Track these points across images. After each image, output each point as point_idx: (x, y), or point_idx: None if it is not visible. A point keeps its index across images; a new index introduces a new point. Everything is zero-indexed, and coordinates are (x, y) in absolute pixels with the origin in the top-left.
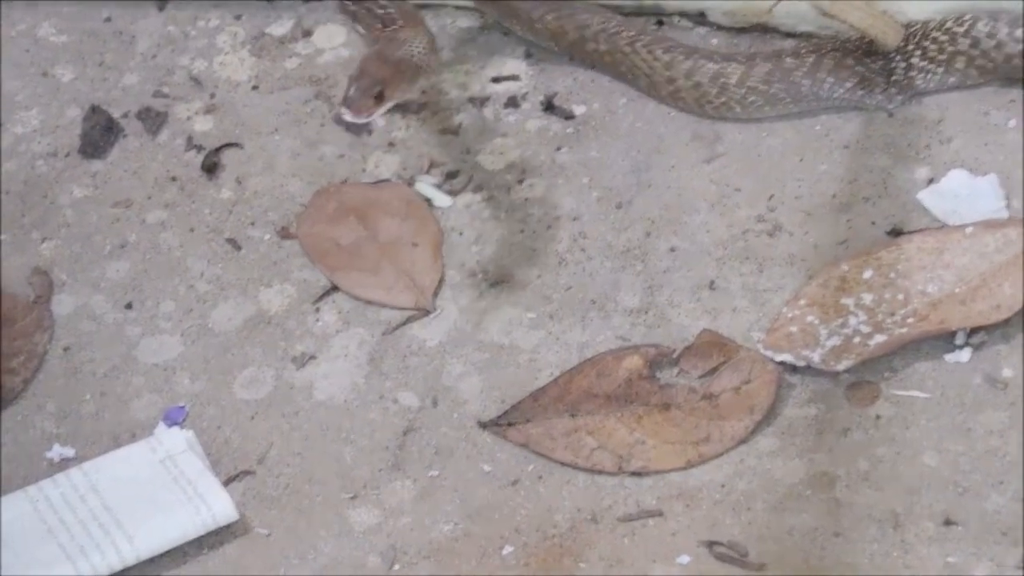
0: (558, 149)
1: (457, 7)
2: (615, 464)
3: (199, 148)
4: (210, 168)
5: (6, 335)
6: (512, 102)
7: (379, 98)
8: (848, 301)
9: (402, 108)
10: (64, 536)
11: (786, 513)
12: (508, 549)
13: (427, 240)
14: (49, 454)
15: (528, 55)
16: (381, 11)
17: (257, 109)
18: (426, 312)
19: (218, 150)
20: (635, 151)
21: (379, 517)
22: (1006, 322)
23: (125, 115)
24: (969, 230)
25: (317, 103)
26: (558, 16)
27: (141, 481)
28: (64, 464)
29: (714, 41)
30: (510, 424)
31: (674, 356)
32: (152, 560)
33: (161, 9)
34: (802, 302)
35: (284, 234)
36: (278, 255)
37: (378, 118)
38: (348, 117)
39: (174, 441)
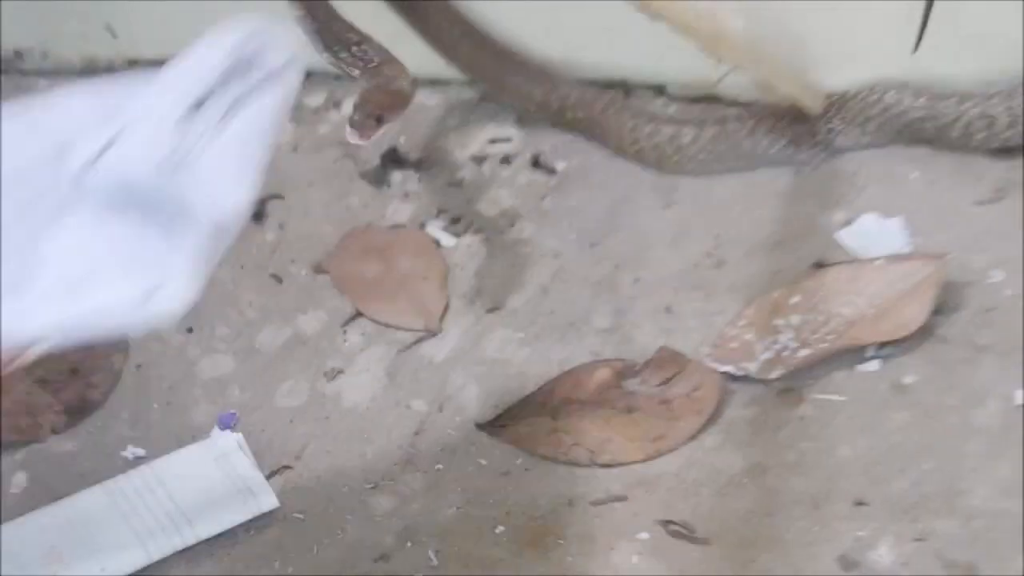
0: (543, 198)
1: (461, 83)
2: (588, 458)
3: None
4: (257, 216)
5: (88, 355)
6: (505, 160)
7: (379, 121)
8: (779, 322)
9: (415, 165)
10: (136, 521)
11: (727, 497)
12: (500, 528)
13: (435, 274)
14: (124, 453)
15: (518, 121)
16: (361, 54)
17: (296, 167)
18: (434, 334)
19: (264, 201)
20: (606, 200)
21: (395, 503)
22: (908, 338)
23: None
24: (879, 263)
25: (344, 162)
26: (544, 90)
27: (199, 476)
28: (136, 462)
29: (671, 109)
30: (502, 425)
31: (637, 368)
32: (208, 541)
33: None
34: (742, 323)
35: (318, 270)
36: (313, 287)
37: (376, 139)
38: (353, 139)
39: (226, 442)
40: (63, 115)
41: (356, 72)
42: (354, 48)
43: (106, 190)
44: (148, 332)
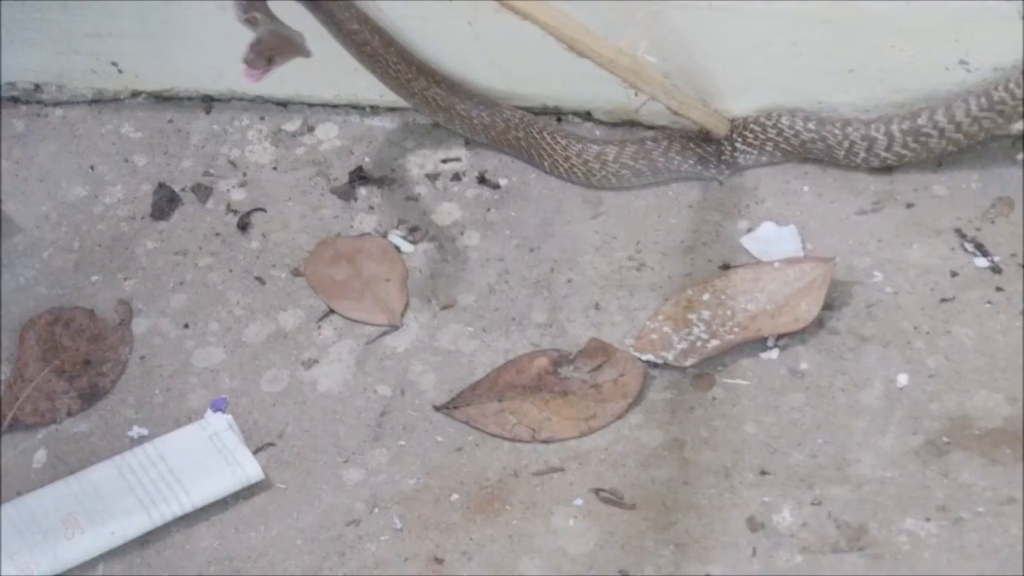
0: (488, 210)
1: (419, 110)
2: (530, 435)
3: (235, 212)
4: (243, 226)
5: (99, 348)
6: (456, 177)
7: (270, 62)
8: (692, 316)
9: (378, 182)
10: (140, 492)
11: (650, 468)
12: (455, 496)
13: (396, 276)
14: (130, 433)
15: (467, 143)
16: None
17: (276, 184)
18: (396, 328)
19: (249, 214)
20: (542, 211)
21: (363, 475)
22: (803, 330)
23: (183, 189)
24: (777, 265)
25: (318, 179)
26: (490, 113)
27: (195, 452)
28: (140, 440)
29: (597, 132)
30: (456, 407)
31: (571, 357)
32: (203, 508)
33: (208, 113)
34: (660, 317)
35: (296, 273)
36: (291, 288)
37: (265, 79)
38: (247, 78)
39: (218, 423)
40: None
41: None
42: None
43: None
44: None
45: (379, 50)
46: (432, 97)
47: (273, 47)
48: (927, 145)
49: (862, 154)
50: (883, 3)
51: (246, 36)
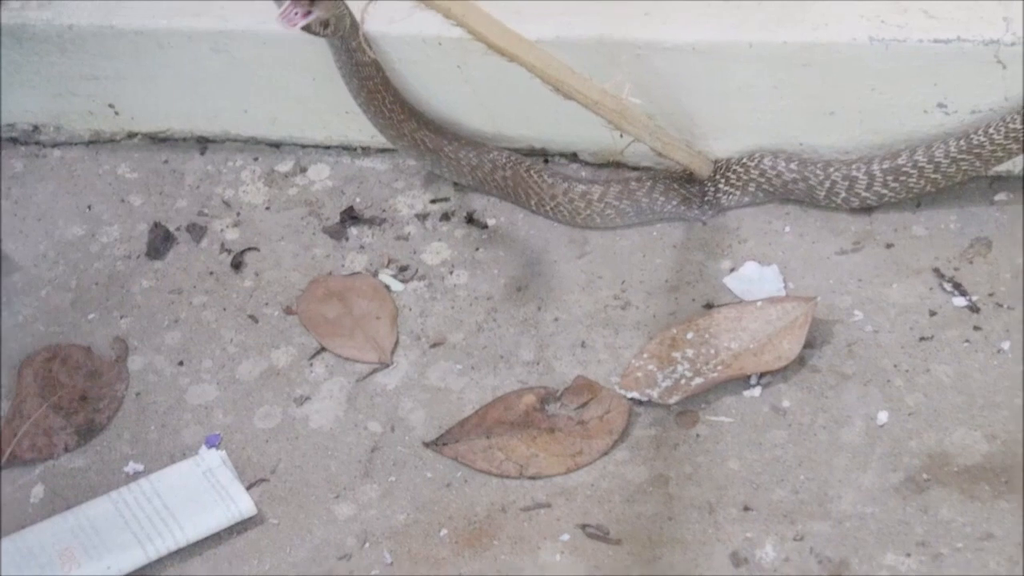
0: (477, 249)
1: (407, 153)
2: (517, 471)
3: (229, 251)
4: (236, 265)
5: (95, 385)
6: (445, 216)
7: (312, 2)
8: (677, 354)
9: (369, 222)
10: (136, 527)
11: (635, 504)
12: (444, 532)
13: (387, 314)
14: (125, 469)
15: (455, 184)
16: None
17: (269, 223)
18: (386, 365)
19: (242, 252)
20: (529, 251)
21: (355, 510)
22: (785, 368)
23: (178, 228)
24: (759, 304)
25: (310, 219)
26: (478, 154)
27: (189, 487)
28: (136, 476)
29: (583, 173)
30: (445, 444)
31: (557, 395)
32: (197, 543)
33: (202, 153)
34: (645, 355)
35: (288, 311)
36: (284, 326)
37: (301, 26)
38: (284, 22)
39: (212, 459)
40: None
41: None
42: None
43: None
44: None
45: (379, 87)
46: (421, 139)
47: None
48: (906, 184)
49: (843, 194)
50: (863, 47)
51: (240, 79)
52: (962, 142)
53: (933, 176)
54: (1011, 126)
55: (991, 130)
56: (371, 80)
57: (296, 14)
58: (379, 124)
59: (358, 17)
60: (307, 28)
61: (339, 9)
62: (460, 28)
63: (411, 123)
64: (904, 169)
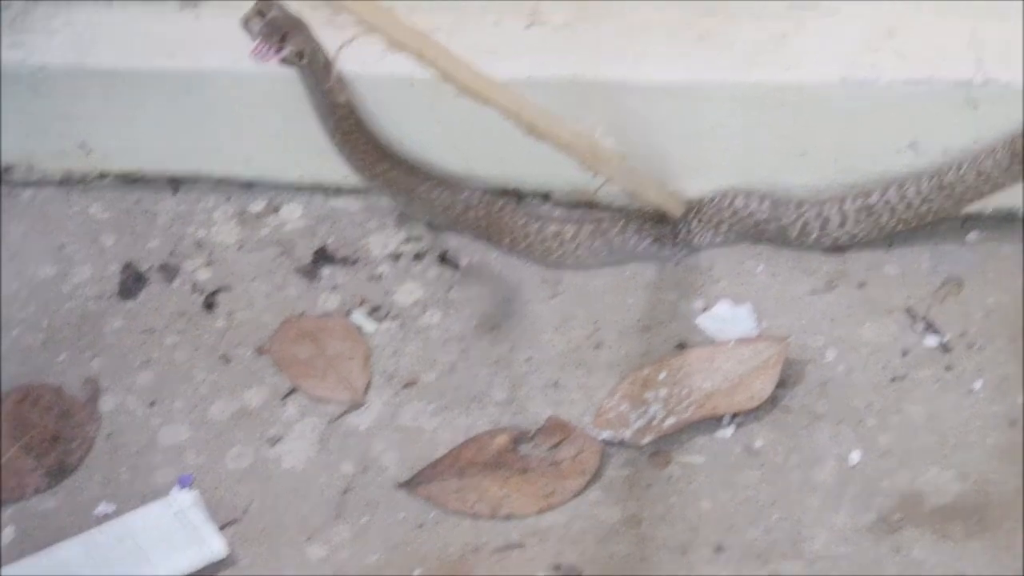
0: (449, 289)
1: (380, 192)
2: (490, 511)
3: (201, 291)
4: (209, 305)
5: (66, 425)
6: (418, 256)
7: (283, 40)
8: (649, 395)
9: (342, 262)
10: (107, 569)
11: (608, 544)
12: (417, 572)
13: (359, 355)
14: (97, 510)
15: (428, 224)
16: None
17: (241, 263)
18: (359, 406)
19: (214, 293)
20: (502, 291)
21: (327, 551)
22: (757, 408)
23: (150, 268)
24: (732, 344)
25: (283, 259)
26: (450, 194)
27: (161, 529)
28: (107, 517)
29: (556, 212)
30: (418, 484)
31: (530, 435)
32: None
33: (174, 193)
34: (618, 395)
35: (260, 351)
36: (256, 366)
37: (273, 61)
38: (257, 57)
39: (184, 500)
40: None
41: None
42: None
43: None
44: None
45: (354, 128)
46: (394, 179)
47: (286, 25)
48: (878, 223)
49: (815, 233)
50: (835, 88)
51: (212, 119)
52: (934, 181)
53: (905, 215)
54: (982, 167)
55: (963, 170)
56: (346, 120)
57: (268, 50)
58: (353, 164)
59: (331, 58)
60: (284, 59)
61: (312, 42)
62: (432, 70)
63: (384, 163)
64: (876, 208)
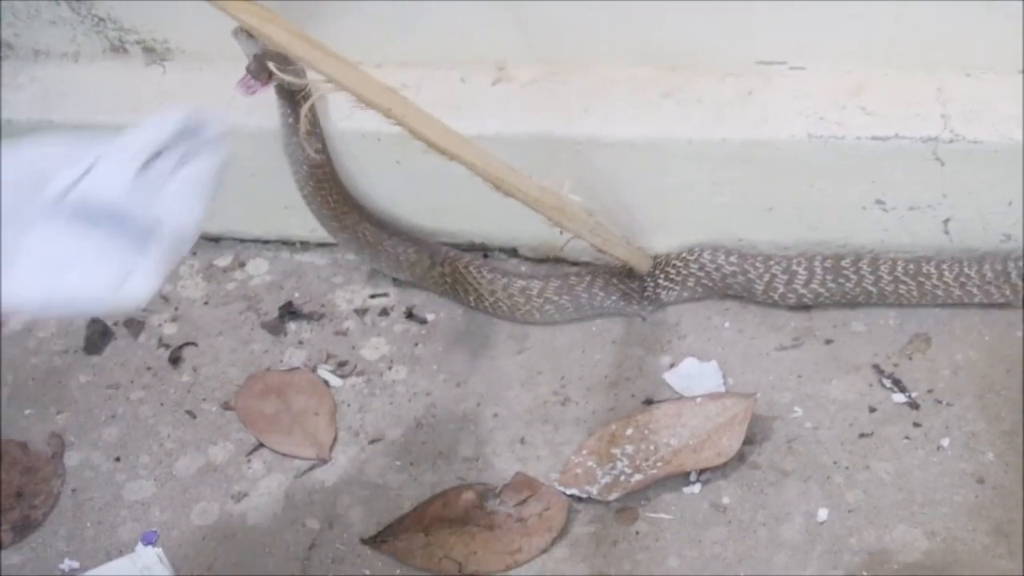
0: (416, 345)
1: (347, 246)
2: (456, 568)
3: (167, 346)
4: (174, 360)
5: (31, 480)
6: (384, 312)
7: (270, 76)
8: (616, 451)
9: (308, 317)
10: None
11: None
12: None
13: (325, 410)
14: (61, 566)
15: (394, 280)
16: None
17: (207, 318)
18: (325, 461)
19: (180, 348)
20: (469, 346)
21: None
22: (725, 464)
23: (116, 323)
24: (699, 400)
25: (249, 314)
26: (417, 250)
27: None
28: (72, 573)
29: (523, 268)
30: (383, 541)
31: (496, 491)
32: None
33: None
34: (584, 452)
35: (226, 407)
36: (222, 422)
37: (259, 94)
38: (241, 91)
39: (149, 557)
40: (44, 151)
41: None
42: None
43: (81, 206)
44: (118, 313)
45: (326, 180)
46: (362, 232)
47: (274, 60)
48: (843, 288)
49: (781, 288)
50: (802, 144)
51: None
52: (910, 266)
53: (871, 289)
54: (965, 271)
55: (943, 266)
56: (319, 169)
57: (254, 85)
58: (322, 216)
59: (301, 115)
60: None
61: (302, 76)
62: (400, 127)
63: (353, 216)
64: (845, 272)
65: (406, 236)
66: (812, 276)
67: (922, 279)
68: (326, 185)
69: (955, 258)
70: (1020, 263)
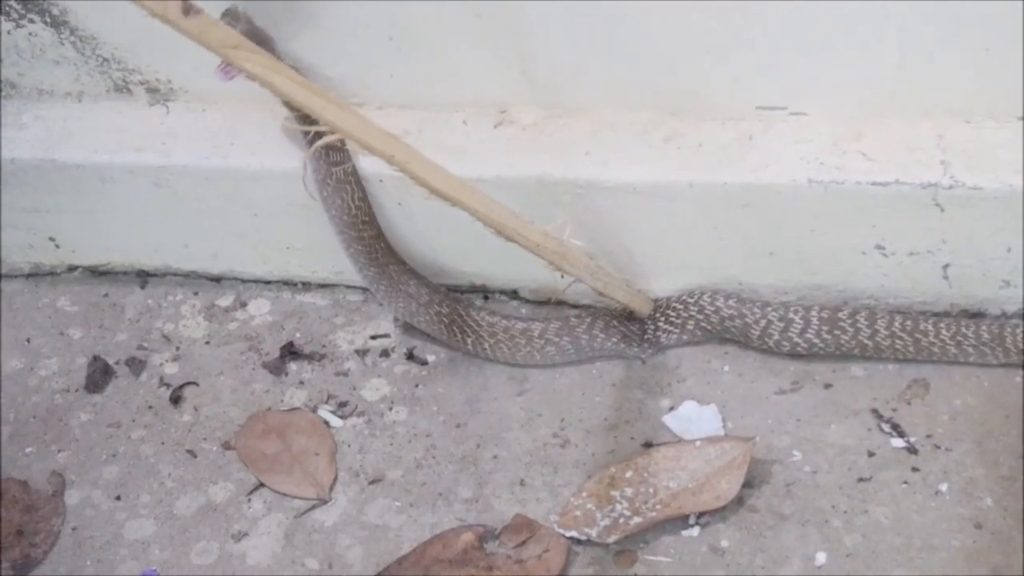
0: (416, 386)
1: (348, 286)
2: None
3: (168, 385)
4: (175, 400)
5: (31, 519)
6: (385, 353)
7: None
8: (615, 493)
9: (309, 357)
10: None
11: None
12: None
13: (325, 451)
14: None
15: (395, 320)
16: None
17: (209, 358)
18: (325, 502)
19: (181, 387)
20: (469, 388)
21: None
22: (723, 508)
23: (117, 362)
24: (698, 443)
25: (250, 354)
26: (417, 284)
27: None
28: None
29: (523, 310)
30: None
31: (496, 533)
32: None
33: (143, 287)
34: (584, 494)
35: (227, 447)
36: (222, 461)
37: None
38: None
39: None
40: None
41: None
42: None
43: None
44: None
45: (349, 177)
46: (376, 248)
47: (258, 41)
48: (838, 340)
49: (776, 335)
50: (802, 189)
51: (181, 214)
52: (908, 323)
53: (866, 342)
54: (962, 330)
55: (941, 324)
56: (339, 167)
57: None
58: (342, 222)
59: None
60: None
61: (271, 43)
62: (403, 173)
63: (371, 229)
64: (841, 324)
65: (409, 268)
66: (808, 325)
67: (919, 335)
68: (349, 185)
69: (953, 316)
70: (1018, 330)
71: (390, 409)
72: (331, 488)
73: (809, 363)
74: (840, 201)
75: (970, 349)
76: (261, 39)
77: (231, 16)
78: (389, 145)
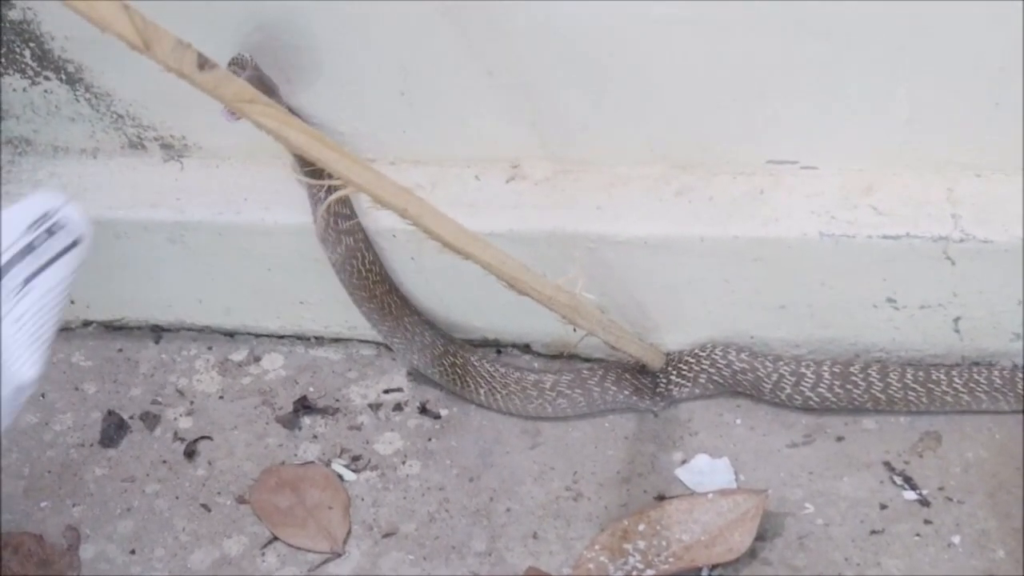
0: (429, 440)
1: (360, 340)
2: None
3: (182, 440)
4: (190, 454)
5: (46, 573)
6: (398, 407)
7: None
8: (628, 546)
9: (322, 411)
10: None
11: None
12: None
13: (339, 504)
14: None
15: (409, 374)
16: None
17: (222, 412)
18: (338, 555)
19: (195, 441)
20: (482, 441)
21: None
22: (736, 560)
23: (132, 417)
24: (711, 496)
25: (264, 408)
26: (432, 334)
27: None
28: None
29: (536, 364)
30: None
31: None
32: None
33: (157, 342)
34: (597, 547)
35: (241, 500)
36: (237, 515)
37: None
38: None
39: None
40: None
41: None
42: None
43: None
44: None
45: (360, 244)
46: (390, 303)
47: (264, 89)
48: (850, 394)
49: (788, 390)
50: (813, 243)
51: (195, 269)
52: (920, 374)
53: (879, 396)
54: (975, 376)
55: (953, 372)
56: (352, 236)
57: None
58: (352, 284)
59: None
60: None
61: (274, 90)
62: (415, 227)
63: (383, 286)
64: (853, 378)
65: (424, 320)
66: (820, 380)
67: (932, 386)
68: (360, 251)
69: (964, 364)
70: None
71: (403, 463)
72: (345, 542)
73: (821, 416)
74: (851, 255)
75: (982, 395)
76: (267, 87)
77: (238, 63)
78: (402, 199)
